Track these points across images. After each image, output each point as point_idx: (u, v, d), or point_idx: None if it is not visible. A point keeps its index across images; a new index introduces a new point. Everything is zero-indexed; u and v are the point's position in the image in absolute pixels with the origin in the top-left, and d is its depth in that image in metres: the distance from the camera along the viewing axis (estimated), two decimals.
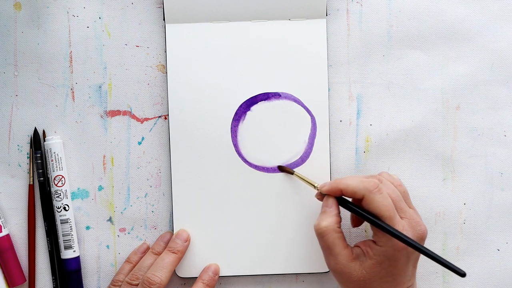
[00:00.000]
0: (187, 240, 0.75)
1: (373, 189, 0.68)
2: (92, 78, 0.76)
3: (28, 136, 0.76)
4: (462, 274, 0.64)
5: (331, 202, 0.70)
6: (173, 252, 0.74)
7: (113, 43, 0.76)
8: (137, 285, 0.73)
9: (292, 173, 0.75)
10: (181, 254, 0.75)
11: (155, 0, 0.76)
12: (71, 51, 0.76)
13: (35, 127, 0.76)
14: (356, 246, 0.69)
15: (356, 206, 0.69)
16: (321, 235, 0.68)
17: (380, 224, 0.67)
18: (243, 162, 0.75)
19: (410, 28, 0.76)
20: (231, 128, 0.75)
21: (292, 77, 0.75)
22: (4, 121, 0.76)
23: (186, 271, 0.76)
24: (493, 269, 0.77)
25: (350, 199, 0.70)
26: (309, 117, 0.75)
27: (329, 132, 0.76)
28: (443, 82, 0.76)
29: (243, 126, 0.75)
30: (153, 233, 0.77)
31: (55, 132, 0.76)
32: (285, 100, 0.75)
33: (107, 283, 0.77)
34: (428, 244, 0.76)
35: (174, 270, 0.75)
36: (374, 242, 0.68)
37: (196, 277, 0.75)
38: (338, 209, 0.70)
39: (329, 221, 0.69)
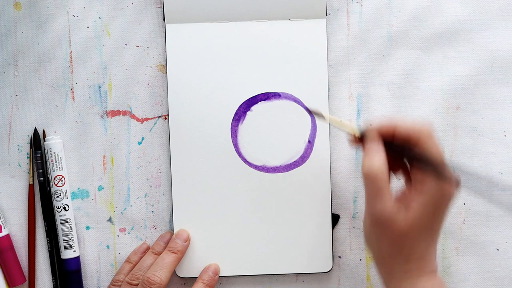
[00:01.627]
0: (187, 240, 0.75)
1: (428, 133, 0.65)
2: (92, 78, 0.76)
3: (28, 136, 0.76)
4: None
5: (377, 142, 0.66)
6: (173, 252, 0.74)
7: (113, 43, 0.76)
8: (137, 285, 0.73)
9: (323, 117, 0.73)
10: (181, 254, 0.75)
11: (155, 0, 0.76)
12: (71, 51, 0.76)
13: (35, 127, 0.76)
14: (396, 198, 0.66)
15: (403, 148, 0.66)
16: (374, 175, 0.65)
17: (433, 167, 0.64)
18: (243, 162, 0.75)
19: (410, 28, 0.76)
20: (231, 128, 0.75)
21: (292, 77, 0.75)
22: (4, 121, 0.76)
23: (186, 271, 0.76)
24: (492, 269, 0.77)
25: None
26: (309, 117, 0.75)
27: (329, 132, 0.76)
28: (443, 82, 0.76)
29: (243, 126, 0.75)
30: (153, 233, 0.77)
31: (55, 132, 0.76)
32: (285, 100, 0.75)
33: (107, 283, 0.77)
34: None
35: (174, 270, 0.75)
36: (417, 190, 0.65)
37: (196, 277, 0.75)
38: (384, 152, 0.66)
39: (380, 162, 0.65)
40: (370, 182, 0.65)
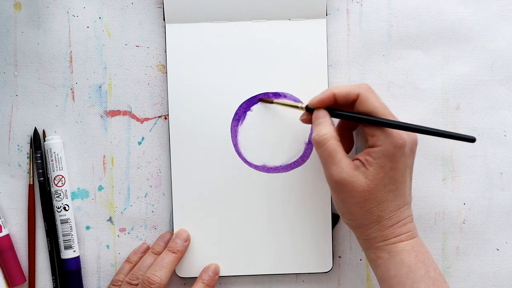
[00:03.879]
0: (187, 240, 0.75)
1: (367, 88, 0.68)
2: (92, 78, 0.76)
3: (28, 136, 0.76)
4: (471, 139, 0.65)
5: (323, 113, 0.69)
6: (173, 252, 0.74)
7: (113, 43, 0.76)
8: (137, 284, 0.73)
9: (272, 102, 0.74)
10: (181, 254, 0.75)
11: (155, 0, 0.76)
12: (71, 51, 0.76)
13: (35, 127, 0.76)
14: (354, 159, 0.68)
15: (348, 111, 0.69)
16: (321, 143, 0.67)
17: (378, 119, 0.66)
18: (243, 162, 0.75)
19: (410, 28, 0.76)
20: (231, 128, 0.75)
21: (292, 77, 0.75)
22: (4, 121, 0.76)
23: (186, 271, 0.76)
24: (492, 269, 0.77)
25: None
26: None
27: None
28: (443, 82, 0.76)
29: (243, 126, 0.75)
30: (153, 233, 0.77)
31: (55, 132, 0.76)
32: (285, 100, 0.75)
33: (107, 283, 0.77)
34: (427, 244, 0.76)
35: (174, 270, 0.75)
36: (371, 147, 0.67)
37: (196, 277, 0.75)
38: (331, 119, 0.69)
39: (327, 129, 0.68)
40: (321, 148, 0.67)
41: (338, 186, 0.67)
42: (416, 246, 0.68)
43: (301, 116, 0.72)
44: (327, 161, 0.67)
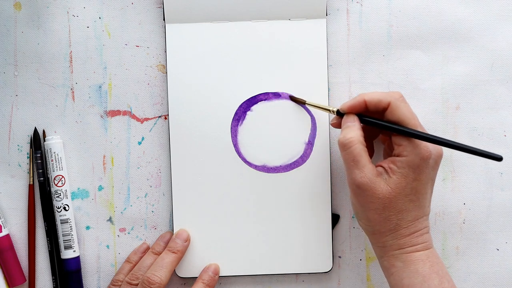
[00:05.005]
0: (187, 240, 0.75)
1: (399, 97, 0.68)
2: (92, 78, 0.76)
3: (28, 136, 0.76)
4: (498, 158, 0.65)
5: (353, 117, 0.69)
6: (173, 252, 0.74)
7: (113, 43, 0.76)
8: (137, 284, 0.73)
9: (304, 102, 0.74)
10: (181, 254, 0.75)
11: (155, 0, 0.76)
12: (71, 51, 0.76)
13: (35, 127, 0.76)
14: (377, 166, 0.68)
15: (378, 119, 0.69)
16: (347, 145, 0.67)
17: (408, 130, 0.67)
18: (243, 162, 0.75)
19: (410, 28, 0.76)
20: (231, 128, 0.75)
21: (292, 77, 0.75)
22: (4, 121, 0.76)
23: (186, 271, 0.76)
24: (492, 269, 0.77)
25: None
26: (309, 117, 0.75)
27: (329, 132, 0.76)
28: (443, 82, 0.76)
29: (243, 126, 0.75)
30: (153, 233, 0.77)
31: (55, 132, 0.76)
32: (285, 100, 0.75)
33: (107, 283, 0.77)
34: None
35: (174, 270, 0.75)
36: (396, 156, 0.68)
37: (196, 277, 0.75)
38: (360, 124, 0.69)
39: (355, 133, 0.68)
40: (346, 151, 0.68)
41: (359, 190, 0.67)
42: (431, 257, 0.68)
43: (332, 120, 0.72)
44: (350, 164, 0.67)
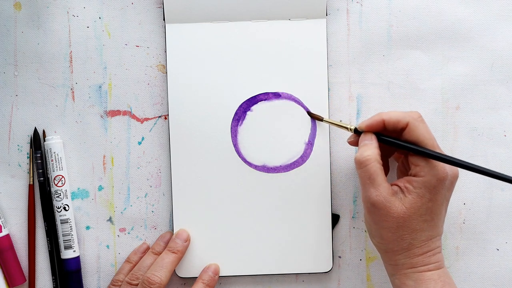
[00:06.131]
0: (187, 240, 0.75)
1: (417, 117, 0.68)
2: (92, 78, 0.76)
3: (28, 136, 0.76)
4: None
5: (370, 136, 0.69)
6: (173, 252, 0.74)
7: (113, 43, 0.76)
8: (137, 285, 0.73)
9: (321, 119, 0.74)
10: (181, 254, 0.75)
11: (155, 0, 0.76)
12: (71, 51, 0.76)
13: (35, 127, 0.76)
14: (393, 184, 0.69)
15: (396, 138, 0.69)
16: (364, 163, 0.67)
17: (426, 151, 0.67)
18: (243, 162, 0.75)
19: (410, 28, 0.76)
20: (231, 128, 0.75)
21: (292, 77, 0.75)
22: (4, 121, 0.76)
23: (186, 271, 0.76)
24: (492, 269, 0.77)
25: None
26: (309, 117, 0.75)
27: (329, 132, 0.76)
28: (443, 82, 0.76)
29: (243, 126, 0.75)
30: (153, 233, 0.77)
31: (55, 132, 0.76)
32: (285, 100, 0.75)
33: (107, 283, 0.77)
34: None
35: (174, 270, 0.75)
36: (413, 176, 0.68)
37: (196, 277, 0.75)
38: (377, 143, 0.69)
39: (371, 151, 0.68)
40: (362, 169, 0.68)
41: (373, 209, 0.67)
42: (443, 276, 0.68)
43: (349, 138, 0.72)
44: (366, 182, 0.68)
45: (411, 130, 0.68)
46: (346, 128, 0.71)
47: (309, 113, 0.75)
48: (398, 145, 0.69)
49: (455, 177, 0.68)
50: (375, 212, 0.67)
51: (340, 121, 0.75)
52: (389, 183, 0.68)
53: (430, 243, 0.68)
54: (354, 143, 0.71)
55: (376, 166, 0.67)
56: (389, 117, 0.68)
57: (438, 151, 0.68)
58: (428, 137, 0.68)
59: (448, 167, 0.67)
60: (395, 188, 0.68)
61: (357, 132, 0.71)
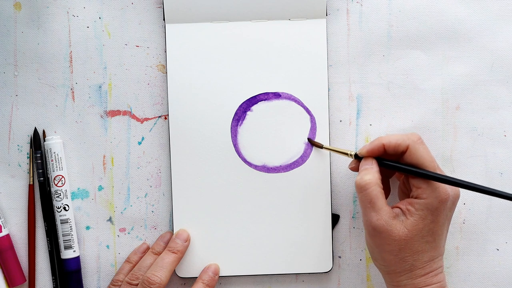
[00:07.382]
0: (187, 240, 0.75)
1: (417, 139, 0.68)
2: (92, 78, 0.76)
3: (28, 136, 0.76)
4: None
5: (371, 161, 0.70)
6: (173, 252, 0.74)
7: (113, 43, 0.76)
8: (137, 285, 0.73)
9: (321, 147, 0.74)
10: (181, 254, 0.75)
11: (155, 0, 0.76)
12: (71, 51, 0.76)
13: (35, 127, 0.76)
14: (394, 207, 0.69)
15: (396, 161, 0.69)
16: (364, 187, 0.68)
17: (428, 173, 0.67)
18: (243, 162, 0.75)
19: (410, 28, 0.76)
20: (231, 128, 0.75)
21: (292, 77, 0.75)
22: (4, 121, 0.76)
23: (186, 271, 0.76)
24: (492, 269, 0.77)
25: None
26: (309, 117, 0.75)
27: (329, 132, 0.76)
28: (443, 82, 0.76)
29: (243, 126, 0.75)
30: (153, 233, 0.77)
31: (55, 132, 0.76)
32: (285, 100, 0.75)
33: (107, 283, 0.77)
34: None
35: (174, 270, 0.75)
36: (414, 198, 0.68)
37: (196, 277, 0.75)
38: (378, 167, 0.69)
39: (372, 175, 0.68)
40: (363, 193, 0.68)
41: (375, 232, 0.68)
42: None
43: (350, 164, 0.72)
44: (367, 206, 0.68)
45: (411, 153, 0.68)
46: (347, 154, 0.72)
47: (309, 140, 0.75)
48: (399, 169, 0.69)
49: (456, 198, 0.69)
50: (376, 236, 0.68)
51: (337, 148, 0.75)
52: (390, 205, 0.68)
53: (432, 263, 0.68)
54: (355, 169, 0.72)
55: (376, 190, 0.67)
56: (389, 141, 0.69)
57: (439, 172, 0.68)
58: (428, 159, 0.68)
59: (449, 188, 0.67)
60: (397, 210, 0.68)
61: (358, 158, 0.71)
